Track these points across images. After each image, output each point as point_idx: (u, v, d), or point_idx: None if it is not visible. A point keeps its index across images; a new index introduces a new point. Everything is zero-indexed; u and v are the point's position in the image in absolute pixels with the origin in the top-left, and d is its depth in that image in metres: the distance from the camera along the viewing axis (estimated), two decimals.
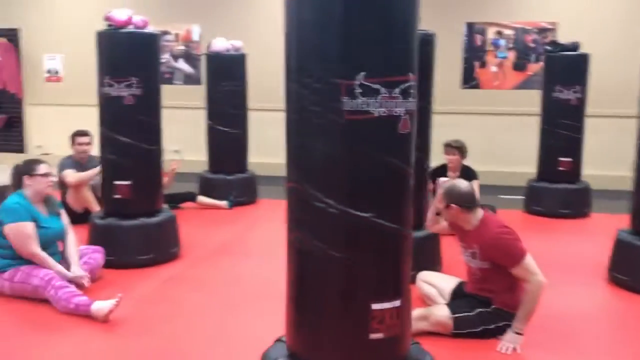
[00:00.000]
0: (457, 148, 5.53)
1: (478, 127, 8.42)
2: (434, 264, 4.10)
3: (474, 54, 8.50)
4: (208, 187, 6.68)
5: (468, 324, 3.13)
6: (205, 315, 3.53)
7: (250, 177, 6.81)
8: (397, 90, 1.94)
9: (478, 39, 8.47)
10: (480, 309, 3.15)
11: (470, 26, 8.48)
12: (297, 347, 2.15)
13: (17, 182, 3.70)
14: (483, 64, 8.50)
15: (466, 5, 8.46)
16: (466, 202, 3.19)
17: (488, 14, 8.44)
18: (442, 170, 5.54)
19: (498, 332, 3.13)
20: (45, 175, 3.70)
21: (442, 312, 3.16)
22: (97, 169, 5.09)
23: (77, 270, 3.71)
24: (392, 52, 1.94)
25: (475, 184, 5.21)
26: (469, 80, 8.55)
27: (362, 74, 1.90)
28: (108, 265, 4.14)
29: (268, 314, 3.33)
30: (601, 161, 7.53)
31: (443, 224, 3.58)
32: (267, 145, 8.33)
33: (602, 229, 5.04)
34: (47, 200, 3.81)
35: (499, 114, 8.36)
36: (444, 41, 7.90)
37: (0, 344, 3.05)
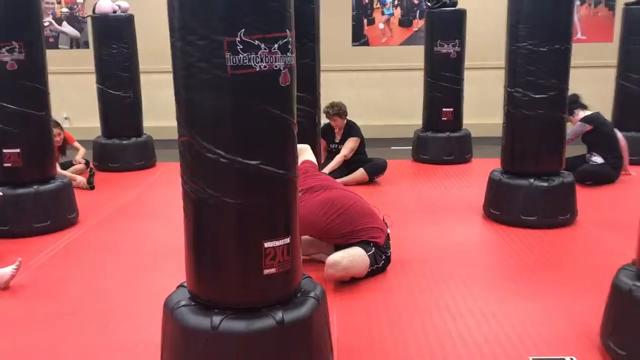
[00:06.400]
0: (335, 115, 5.79)
1: (369, 83, 8.77)
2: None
3: (362, 12, 8.78)
4: (103, 153, 6.58)
5: (376, 259, 3.45)
6: (105, 276, 3.61)
7: (147, 141, 6.76)
8: (275, 45, 2.11)
9: None
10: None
11: None
12: (197, 289, 2.32)
13: None
14: (371, 22, 8.81)
15: None
16: None
17: None
18: (329, 129, 5.86)
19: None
20: None
21: (359, 252, 3.39)
22: None
23: None
24: (268, 9, 2.09)
25: (350, 142, 5.70)
26: (359, 37, 8.85)
27: (243, 30, 2.05)
28: (3, 235, 4.08)
29: (170, 270, 3.48)
30: (479, 110, 8.13)
31: None
32: (162, 108, 8.26)
33: (481, 172, 5.54)
34: None
35: (388, 70, 8.75)
36: (333, 1, 8.13)
37: None
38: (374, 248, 3.45)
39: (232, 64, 2.07)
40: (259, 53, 2.09)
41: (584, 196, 4.87)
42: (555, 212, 4.33)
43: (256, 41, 2.07)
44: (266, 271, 2.23)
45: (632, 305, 2.41)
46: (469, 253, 3.94)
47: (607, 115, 6.23)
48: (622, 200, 5.05)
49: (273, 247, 2.23)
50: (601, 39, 8.68)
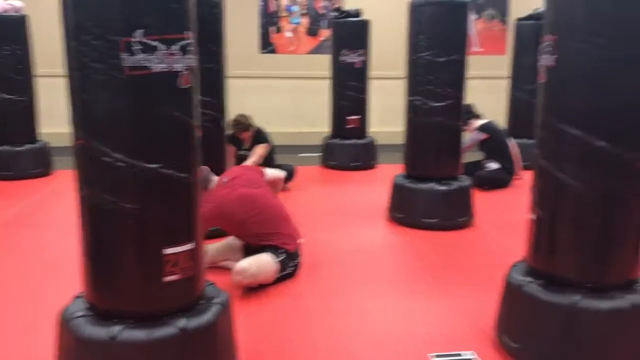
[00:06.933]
0: (241, 131, 5.74)
1: (277, 90, 8.80)
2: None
3: (269, 20, 8.81)
4: None
5: (284, 266, 3.45)
6: None
7: (43, 148, 6.42)
8: (175, 47, 2.07)
9: (272, 5, 8.78)
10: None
11: None
12: (95, 299, 2.22)
13: None
14: (278, 30, 8.85)
15: None
16: None
17: None
18: (237, 138, 5.81)
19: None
20: None
21: (268, 258, 3.37)
22: None
23: None
24: (167, 10, 2.04)
25: (259, 148, 5.62)
26: (266, 45, 8.87)
27: (140, 31, 1.99)
28: None
29: (66, 281, 3.29)
30: (384, 118, 8.37)
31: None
32: (60, 113, 7.87)
33: (386, 177, 5.67)
34: None
35: (296, 78, 8.82)
36: (240, 6, 8.11)
37: None
38: (283, 255, 3.45)
39: (128, 64, 2.01)
40: (158, 54, 2.04)
41: (481, 199, 5.13)
42: (454, 215, 4.53)
43: (154, 42, 2.03)
44: (167, 278, 2.17)
45: (522, 300, 2.56)
46: (375, 255, 4.03)
47: (500, 123, 6.60)
48: (514, 203, 5.35)
49: (174, 253, 2.18)
50: (495, 51, 9.19)
